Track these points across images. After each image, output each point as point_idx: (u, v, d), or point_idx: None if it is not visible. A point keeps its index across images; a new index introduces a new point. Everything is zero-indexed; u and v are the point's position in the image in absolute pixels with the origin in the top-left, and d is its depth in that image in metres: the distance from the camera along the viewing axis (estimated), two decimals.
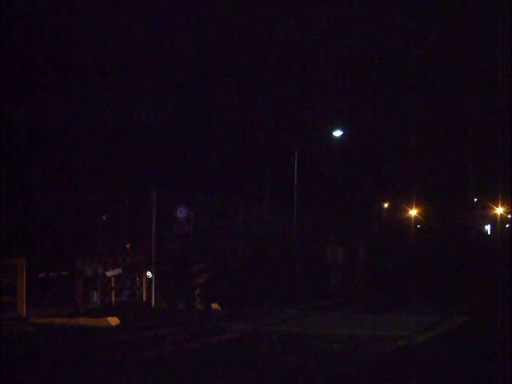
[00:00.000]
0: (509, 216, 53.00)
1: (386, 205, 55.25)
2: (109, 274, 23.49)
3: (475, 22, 41.80)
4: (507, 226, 55.47)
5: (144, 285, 25.38)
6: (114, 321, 20.38)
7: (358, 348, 16.19)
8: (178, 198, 29.20)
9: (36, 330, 19.22)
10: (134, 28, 35.26)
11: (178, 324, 20.26)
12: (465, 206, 54.67)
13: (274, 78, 42.37)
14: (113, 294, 23.90)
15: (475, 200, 55.42)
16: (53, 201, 31.41)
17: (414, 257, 42.97)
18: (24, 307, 21.19)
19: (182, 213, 26.27)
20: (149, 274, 25.17)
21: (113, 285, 23.92)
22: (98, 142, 34.10)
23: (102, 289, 23.45)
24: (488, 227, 64.05)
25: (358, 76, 45.48)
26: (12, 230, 28.60)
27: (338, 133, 44.96)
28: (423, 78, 46.37)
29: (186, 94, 39.13)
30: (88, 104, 33.90)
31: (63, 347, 16.41)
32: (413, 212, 49.29)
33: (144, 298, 25.24)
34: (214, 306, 25.07)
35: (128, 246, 29.35)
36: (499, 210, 42.67)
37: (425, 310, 24.57)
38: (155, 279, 24.90)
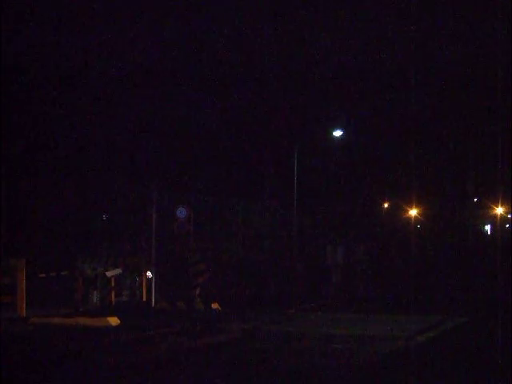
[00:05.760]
0: (509, 216, 53.02)
1: (386, 205, 55.24)
2: (109, 274, 23.50)
3: (475, 22, 41.81)
4: (507, 226, 55.49)
5: (144, 285, 25.38)
6: (113, 321, 20.38)
7: (358, 348, 16.20)
8: (178, 198, 29.20)
9: (36, 330, 19.22)
10: (137, 28, 35.28)
11: (177, 324, 20.26)
12: (465, 206, 54.69)
13: (274, 78, 42.37)
14: (113, 293, 23.91)
15: (475, 200, 55.44)
16: (53, 201, 31.41)
17: (414, 257, 42.95)
18: (24, 307, 21.19)
19: (181, 213, 26.27)
20: (149, 274, 25.17)
21: (113, 285, 23.93)
22: (98, 142, 34.11)
23: (102, 289, 23.46)
24: (488, 227, 64.07)
25: (359, 76, 45.47)
26: (12, 229, 28.59)
27: (338, 133, 44.96)
28: (424, 77, 46.37)
29: (186, 93, 39.14)
30: (88, 103, 33.90)
31: (63, 347, 16.41)
32: (413, 212, 49.29)
33: (144, 298, 25.24)
34: (214, 305, 25.07)
35: (128, 246, 29.34)
36: (499, 210, 42.60)
37: (424, 310, 24.58)
38: (155, 279, 24.89)
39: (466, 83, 47.00)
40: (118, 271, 23.97)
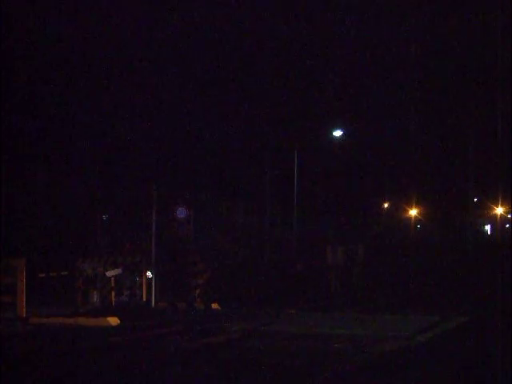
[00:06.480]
0: (509, 216, 53.02)
1: (385, 205, 55.26)
2: (109, 274, 23.50)
3: (475, 23, 41.81)
4: (507, 225, 55.48)
5: (144, 285, 25.36)
6: (113, 321, 20.38)
7: (358, 348, 16.19)
8: (178, 198, 29.21)
9: (36, 330, 19.22)
10: (132, 29, 35.28)
11: (178, 324, 20.26)
12: (465, 206, 54.69)
13: (274, 78, 42.36)
14: (113, 294, 23.90)
15: (475, 200, 55.43)
16: (53, 201, 31.41)
17: (413, 257, 42.95)
18: (24, 307, 21.17)
19: (181, 213, 26.27)
20: (149, 273, 25.16)
21: (113, 285, 23.92)
22: (99, 142, 34.11)
23: (102, 289, 23.46)
24: (488, 227, 64.10)
25: (359, 76, 45.47)
26: (12, 229, 28.60)
27: (338, 133, 44.99)
28: (424, 77, 46.38)
29: (186, 93, 39.13)
30: (88, 103, 33.90)
31: (63, 347, 16.41)
32: (413, 212, 49.28)
33: (144, 298, 25.22)
34: (214, 305, 25.06)
35: (128, 245, 29.34)
36: (499, 210, 42.56)
37: (424, 310, 24.55)
38: (155, 279, 24.88)
39: (467, 83, 47.00)
40: (117, 271, 23.97)
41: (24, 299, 21.23)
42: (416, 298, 28.83)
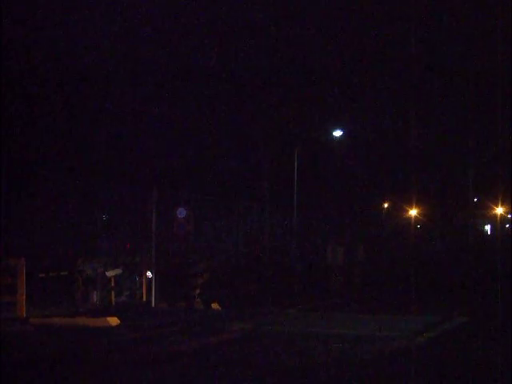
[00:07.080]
0: (509, 216, 53.06)
1: (385, 205, 55.26)
2: (109, 274, 23.51)
3: (475, 22, 41.84)
4: (507, 226, 55.53)
5: (144, 285, 25.38)
6: (113, 321, 20.38)
7: (358, 348, 16.19)
8: (178, 198, 29.23)
9: (36, 329, 19.22)
10: (135, 31, 35.29)
11: (177, 324, 20.27)
12: (465, 206, 54.70)
13: (273, 77, 42.37)
14: (113, 293, 23.91)
15: (475, 200, 55.44)
16: (53, 200, 31.41)
17: (413, 257, 42.96)
18: (24, 307, 21.17)
19: (181, 213, 26.30)
20: (149, 273, 25.18)
21: (113, 285, 23.93)
22: (99, 142, 34.12)
23: (102, 289, 23.47)
24: (488, 227, 64.14)
25: (359, 75, 45.48)
26: (12, 229, 28.59)
27: (338, 133, 44.99)
28: (423, 77, 46.39)
29: (186, 93, 39.14)
30: (88, 103, 33.92)
31: (63, 347, 16.41)
32: (413, 212, 49.27)
33: (144, 298, 25.24)
34: (214, 305, 25.08)
35: (128, 245, 29.32)
36: (499, 210, 42.58)
37: (424, 310, 24.56)
38: (155, 279, 24.90)
39: (467, 82, 47.01)
40: (117, 271, 23.99)
41: (24, 299, 21.23)
42: (416, 298, 28.85)
